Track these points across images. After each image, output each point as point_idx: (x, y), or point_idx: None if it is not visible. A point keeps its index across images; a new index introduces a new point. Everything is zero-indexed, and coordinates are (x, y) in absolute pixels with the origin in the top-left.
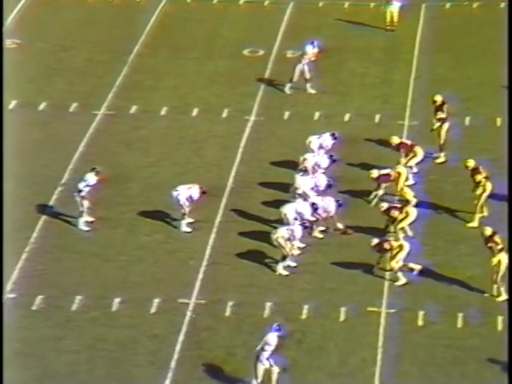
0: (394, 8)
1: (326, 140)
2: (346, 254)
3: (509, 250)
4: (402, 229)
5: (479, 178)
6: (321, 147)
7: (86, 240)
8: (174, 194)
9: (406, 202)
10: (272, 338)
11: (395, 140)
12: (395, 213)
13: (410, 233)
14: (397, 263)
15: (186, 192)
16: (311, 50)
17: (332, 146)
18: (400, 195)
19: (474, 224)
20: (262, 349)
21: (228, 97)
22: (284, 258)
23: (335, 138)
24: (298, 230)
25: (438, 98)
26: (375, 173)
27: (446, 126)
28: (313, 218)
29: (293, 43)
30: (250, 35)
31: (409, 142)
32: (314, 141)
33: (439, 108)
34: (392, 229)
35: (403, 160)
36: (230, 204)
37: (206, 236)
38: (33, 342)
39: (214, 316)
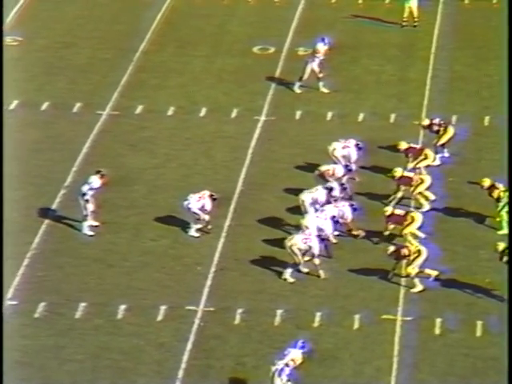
0: (413, 3)
1: (352, 153)
2: (360, 260)
3: (509, 250)
4: (411, 234)
5: (497, 193)
6: (345, 157)
7: (89, 245)
8: (185, 203)
9: (417, 208)
10: (297, 355)
11: (403, 145)
12: (390, 226)
13: (421, 235)
14: (413, 269)
15: (198, 204)
16: (322, 47)
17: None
18: (415, 199)
19: (505, 231)
20: (286, 365)
21: (237, 96)
22: (295, 265)
23: (360, 149)
24: (316, 246)
25: (425, 122)
26: (399, 172)
27: (451, 130)
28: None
29: (305, 40)
30: (260, 32)
31: (417, 146)
32: (338, 148)
33: (430, 128)
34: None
35: (410, 164)
36: (239, 207)
37: (215, 241)
38: (33, 350)
39: (222, 324)
